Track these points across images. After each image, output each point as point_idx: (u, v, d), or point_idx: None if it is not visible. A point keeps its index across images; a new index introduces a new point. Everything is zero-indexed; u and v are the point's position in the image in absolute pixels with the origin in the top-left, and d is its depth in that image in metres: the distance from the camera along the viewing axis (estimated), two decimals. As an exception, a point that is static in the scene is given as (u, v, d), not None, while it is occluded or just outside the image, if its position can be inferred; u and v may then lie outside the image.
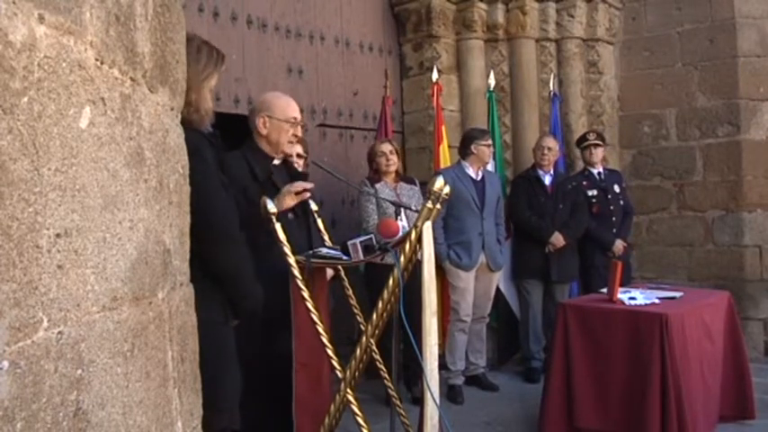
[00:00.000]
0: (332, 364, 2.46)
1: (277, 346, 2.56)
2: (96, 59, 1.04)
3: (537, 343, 4.99)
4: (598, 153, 5.19)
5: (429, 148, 5.30)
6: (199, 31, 3.35)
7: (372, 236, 2.51)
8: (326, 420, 2.48)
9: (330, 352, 2.45)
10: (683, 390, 3.16)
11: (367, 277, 4.10)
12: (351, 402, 2.41)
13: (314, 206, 2.84)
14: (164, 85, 1.34)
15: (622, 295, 3.62)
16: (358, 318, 2.78)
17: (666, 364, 3.15)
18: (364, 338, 2.41)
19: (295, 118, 2.87)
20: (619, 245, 5.04)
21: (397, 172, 4.38)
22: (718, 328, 3.72)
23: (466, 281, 4.55)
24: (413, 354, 2.22)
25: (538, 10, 5.59)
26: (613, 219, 5.11)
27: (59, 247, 0.93)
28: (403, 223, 2.66)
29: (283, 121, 2.82)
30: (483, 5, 5.46)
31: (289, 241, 2.46)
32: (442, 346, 4.40)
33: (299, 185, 2.68)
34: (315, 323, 2.44)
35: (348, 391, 2.41)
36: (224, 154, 2.27)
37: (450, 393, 4.44)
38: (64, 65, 0.95)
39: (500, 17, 5.50)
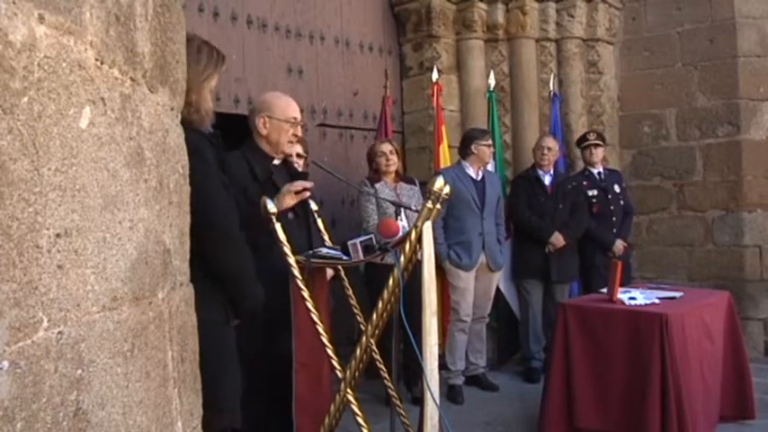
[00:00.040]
0: (332, 364, 2.46)
1: (277, 346, 2.56)
2: (96, 59, 1.04)
3: (537, 343, 4.99)
4: (598, 153, 5.19)
5: (429, 148, 5.30)
6: (199, 31, 3.36)
7: (372, 236, 2.51)
8: (326, 420, 2.48)
9: (330, 352, 2.45)
10: (683, 390, 3.16)
11: (367, 277, 4.10)
12: (351, 402, 2.41)
13: (314, 206, 2.84)
14: (164, 85, 1.34)
15: (622, 295, 3.62)
16: (358, 318, 2.78)
17: (666, 364, 3.15)
18: (364, 338, 2.41)
19: (295, 118, 2.87)
20: (619, 245, 5.04)
21: (396, 172, 4.38)
22: (718, 328, 3.72)
23: (466, 281, 4.55)
24: (413, 354, 2.22)
25: (538, 10, 5.59)
26: (613, 219, 5.11)
27: (59, 247, 0.93)
28: (403, 223, 2.66)
29: (283, 121, 2.82)
30: (483, 5, 5.46)
31: (289, 241, 2.46)
32: (442, 346, 4.40)
33: (299, 184, 2.68)
34: (315, 323, 2.44)
35: (348, 391, 2.41)
36: (224, 154, 2.28)
37: (450, 393, 4.44)
38: (64, 65, 0.95)
39: (500, 17, 5.50)
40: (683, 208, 5.75)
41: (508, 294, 5.12)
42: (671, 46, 5.77)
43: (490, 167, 4.90)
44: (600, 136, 5.25)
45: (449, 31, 5.47)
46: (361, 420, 2.40)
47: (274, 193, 2.63)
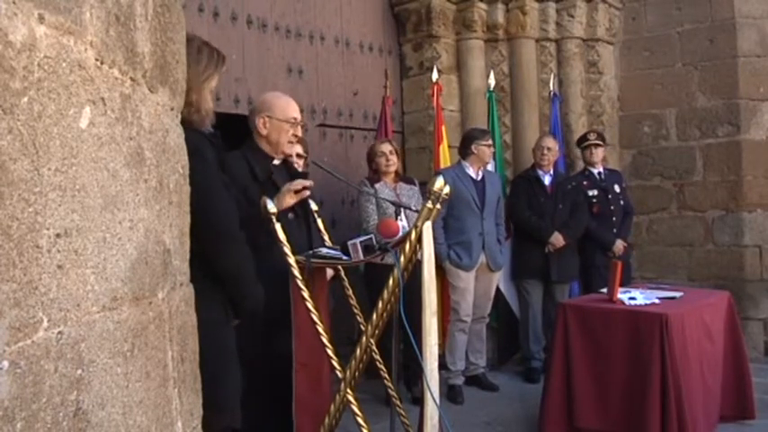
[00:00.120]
0: (332, 364, 2.46)
1: (277, 346, 2.56)
2: (96, 59, 1.04)
3: (537, 343, 4.99)
4: (598, 153, 5.19)
5: (429, 148, 5.30)
6: (199, 31, 3.36)
7: (372, 236, 2.51)
8: (326, 420, 2.48)
9: (330, 352, 2.45)
10: (683, 390, 3.16)
11: (367, 277, 4.10)
12: (351, 402, 2.41)
13: (314, 206, 2.84)
14: (164, 85, 1.34)
15: (622, 295, 3.62)
16: (358, 318, 2.78)
17: (666, 364, 3.15)
18: (364, 338, 2.41)
19: (295, 118, 2.87)
20: (619, 245, 5.04)
21: (396, 172, 4.38)
22: (719, 328, 3.72)
23: (466, 281, 4.55)
24: (413, 354, 2.22)
25: (538, 10, 5.59)
26: (613, 219, 5.11)
27: (59, 247, 0.93)
28: (403, 223, 2.67)
29: (283, 122, 2.82)
30: (483, 5, 5.46)
31: (289, 241, 2.46)
32: (442, 346, 4.40)
33: (299, 183, 2.67)
34: (315, 323, 2.44)
35: (348, 391, 2.41)
36: (224, 154, 2.28)
37: (450, 393, 4.44)
38: (64, 65, 0.95)
39: (500, 17, 5.50)
40: (683, 208, 5.75)
41: (508, 294, 5.12)
42: (671, 46, 5.77)
43: (490, 167, 4.90)
44: (600, 136, 5.25)
45: (449, 31, 5.47)
46: (361, 420, 2.40)
47: (274, 193, 2.63)
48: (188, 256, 1.48)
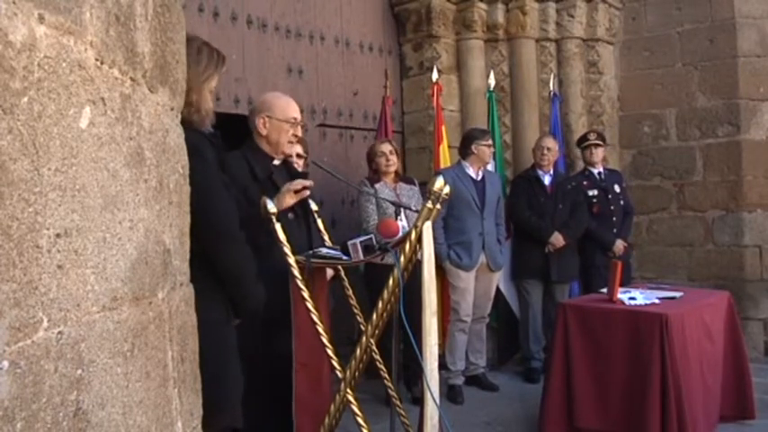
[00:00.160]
0: (332, 364, 2.46)
1: (277, 346, 2.56)
2: (96, 59, 1.04)
3: (537, 343, 4.99)
4: (598, 153, 5.19)
5: (429, 148, 5.30)
6: (199, 31, 3.36)
7: (372, 236, 2.51)
8: (326, 420, 2.48)
9: (330, 352, 2.45)
10: (683, 390, 3.16)
11: (367, 277, 4.10)
12: (351, 402, 2.41)
13: (314, 206, 2.84)
14: (164, 85, 1.34)
15: (622, 295, 3.62)
16: (358, 318, 2.78)
17: (666, 364, 3.15)
18: (364, 338, 2.41)
19: (295, 118, 2.87)
20: (619, 245, 5.04)
21: (396, 172, 4.38)
22: (719, 328, 3.72)
23: (466, 281, 4.55)
24: (413, 354, 2.22)
25: (538, 10, 5.59)
26: (614, 219, 5.11)
27: (59, 247, 0.93)
28: (403, 223, 2.67)
29: (283, 122, 2.82)
30: (483, 5, 5.46)
31: (289, 241, 2.46)
32: (442, 346, 4.40)
33: (299, 183, 2.67)
34: (315, 323, 2.44)
35: (348, 391, 2.41)
36: (224, 154, 2.28)
37: (450, 393, 4.44)
38: (64, 65, 0.95)
39: (500, 17, 5.50)
40: (683, 208, 5.75)
41: (508, 294, 5.12)
42: (671, 46, 5.77)
43: (490, 167, 4.90)
44: (600, 136, 5.25)
45: (449, 31, 5.47)
46: (361, 420, 2.40)
47: (274, 193, 2.63)
48: (188, 256, 1.48)
